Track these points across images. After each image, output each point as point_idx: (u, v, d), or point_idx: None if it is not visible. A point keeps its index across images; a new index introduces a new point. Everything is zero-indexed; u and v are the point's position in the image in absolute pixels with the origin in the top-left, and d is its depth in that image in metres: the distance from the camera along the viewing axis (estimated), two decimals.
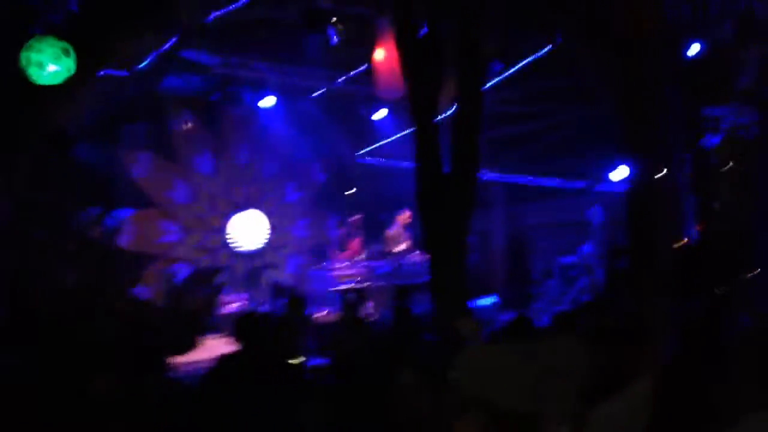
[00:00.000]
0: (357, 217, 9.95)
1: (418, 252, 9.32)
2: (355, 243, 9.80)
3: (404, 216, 9.61)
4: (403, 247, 9.62)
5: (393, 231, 9.61)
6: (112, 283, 7.33)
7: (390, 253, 9.59)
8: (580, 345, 2.02)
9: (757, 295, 6.87)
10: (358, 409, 2.95)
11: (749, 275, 7.85)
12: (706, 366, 2.59)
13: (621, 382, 2.12)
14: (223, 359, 3.35)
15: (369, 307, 8.94)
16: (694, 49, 7.16)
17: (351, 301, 6.27)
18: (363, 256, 9.86)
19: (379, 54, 7.32)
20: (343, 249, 9.59)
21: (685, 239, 7.68)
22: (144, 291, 9.34)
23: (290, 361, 3.85)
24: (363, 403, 2.96)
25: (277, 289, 10.82)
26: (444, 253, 5.93)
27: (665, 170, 5.58)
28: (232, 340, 4.15)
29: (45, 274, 6.78)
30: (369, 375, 3.23)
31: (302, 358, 4.26)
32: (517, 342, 3.63)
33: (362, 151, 11.90)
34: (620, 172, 8.45)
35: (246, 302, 9.55)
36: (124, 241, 9.25)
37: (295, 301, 6.05)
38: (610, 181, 8.98)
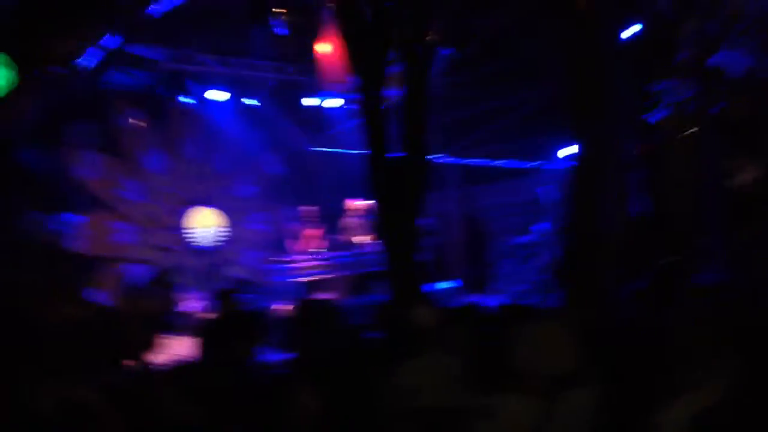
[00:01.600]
0: (312, 208, 9.89)
1: (374, 239, 9.36)
2: (313, 234, 9.76)
3: (357, 204, 9.60)
4: (360, 235, 9.62)
5: (348, 220, 9.60)
6: (58, 287, 7.16)
7: (348, 243, 9.59)
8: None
9: (704, 265, 7.06)
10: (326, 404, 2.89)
11: (697, 246, 8.07)
12: (651, 345, 2.62)
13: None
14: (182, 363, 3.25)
15: (329, 298, 8.94)
16: (635, 26, 7.29)
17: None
18: (321, 247, 9.85)
19: (324, 43, 7.28)
20: (300, 241, 9.55)
21: (633, 213, 7.85)
22: (99, 294, 9.18)
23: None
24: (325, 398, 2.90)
25: (237, 284, 10.77)
26: (397, 238, 5.96)
27: (612, 145, 5.69)
28: (191, 340, 4.07)
29: None
30: (329, 370, 3.17)
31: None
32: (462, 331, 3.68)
33: (315, 142, 11.85)
34: (568, 150, 8.59)
35: (203, 300, 9.45)
36: (76, 243, 9.08)
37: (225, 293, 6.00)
38: (562, 160, 9.11)
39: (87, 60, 8.33)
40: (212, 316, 7.68)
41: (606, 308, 4.56)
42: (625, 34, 7.28)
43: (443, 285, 8.73)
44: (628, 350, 2.80)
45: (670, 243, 7.95)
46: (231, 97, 9.89)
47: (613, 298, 4.91)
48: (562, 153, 8.90)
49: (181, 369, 3.18)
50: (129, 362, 4.84)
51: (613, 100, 7.42)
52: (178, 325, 9.18)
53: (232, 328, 3.28)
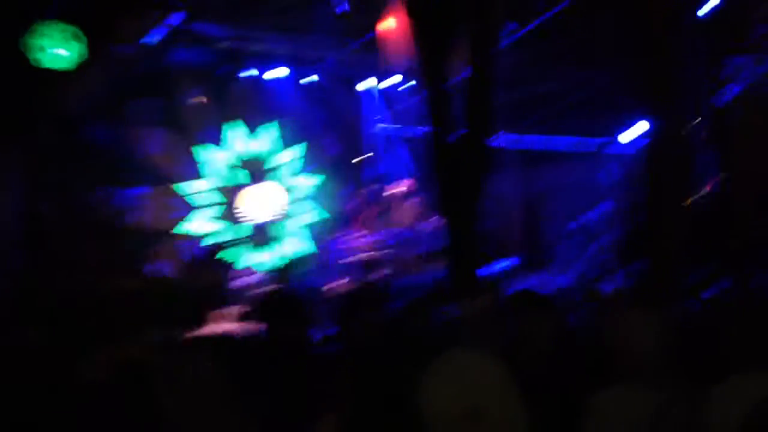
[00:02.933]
0: (373, 186, 9.87)
1: (433, 219, 9.31)
2: (371, 213, 9.76)
3: (409, 183, 9.55)
4: (417, 215, 9.58)
5: (406, 199, 9.57)
6: (122, 262, 7.37)
7: (405, 222, 9.56)
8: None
9: None
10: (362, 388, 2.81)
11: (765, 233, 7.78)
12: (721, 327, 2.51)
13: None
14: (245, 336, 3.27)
15: (386, 276, 8.96)
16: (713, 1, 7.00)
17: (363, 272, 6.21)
18: (377, 226, 9.84)
19: (388, 20, 7.21)
20: (356, 219, 9.56)
21: (703, 194, 7.61)
22: (163, 267, 9.41)
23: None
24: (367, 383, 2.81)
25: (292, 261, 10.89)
26: (459, 218, 5.90)
27: (684, 124, 5.49)
28: (249, 315, 4.10)
29: (57, 254, 6.83)
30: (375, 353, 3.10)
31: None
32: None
33: (374, 120, 11.82)
34: (633, 132, 8.34)
35: (258, 276, 9.60)
36: (138, 218, 9.29)
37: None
38: (626, 141, 8.87)
39: (151, 37, 8.47)
40: (265, 291, 7.82)
41: (679, 294, 4.43)
42: (702, 11, 7.00)
43: (502, 264, 8.63)
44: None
45: (737, 228, 7.69)
46: (291, 74, 9.90)
47: (684, 282, 4.78)
48: (625, 134, 8.65)
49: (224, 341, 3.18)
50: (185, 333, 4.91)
51: (686, 79, 7.17)
52: (233, 299, 9.38)
53: (282, 306, 3.27)
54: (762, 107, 7.83)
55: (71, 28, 5.89)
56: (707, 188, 7.72)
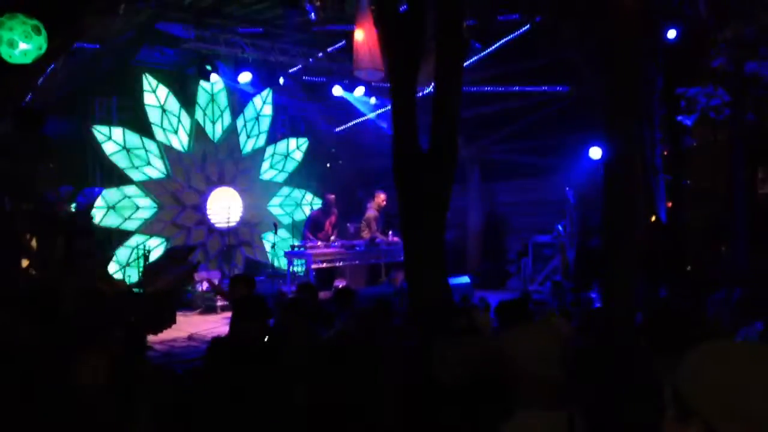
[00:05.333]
0: (332, 195, 9.85)
1: (391, 232, 9.37)
2: (334, 221, 9.75)
3: (380, 198, 9.57)
4: (381, 226, 9.60)
5: (369, 213, 9.57)
6: (86, 260, 7.24)
7: (369, 233, 9.56)
8: None
9: (728, 273, 7.02)
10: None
11: (720, 253, 8.03)
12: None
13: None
14: (217, 340, 3.33)
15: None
16: (671, 32, 7.22)
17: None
18: (340, 235, 9.86)
19: (358, 31, 7.24)
20: (319, 228, 9.53)
21: (656, 218, 7.82)
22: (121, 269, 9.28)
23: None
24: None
25: (253, 266, 10.83)
26: (420, 232, 5.92)
27: (640, 148, 5.64)
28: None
29: (18, 247, 6.67)
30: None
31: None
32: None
33: (340, 128, 11.86)
34: (597, 152, 8.53)
35: (220, 279, 9.52)
36: (99, 217, 9.16)
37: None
38: (585, 161, 9.06)
39: (118, 35, 8.37)
40: (226, 297, 7.75)
41: (629, 311, 4.54)
42: (664, 37, 7.21)
43: (457, 280, 8.68)
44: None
45: (691, 250, 7.92)
46: (259, 80, 9.88)
47: (636, 301, 4.90)
48: (590, 153, 8.83)
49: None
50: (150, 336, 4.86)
51: (647, 102, 7.37)
52: (196, 302, 9.29)
53: (244, 310, 3.34)
54: (714, 135, 8.12)
55: (34, 22, 5.77)
56: (663, 211, 7.94)
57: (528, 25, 8.41)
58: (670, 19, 7.14)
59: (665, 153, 7.86)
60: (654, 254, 7.00)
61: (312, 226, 9.58)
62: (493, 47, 8.92)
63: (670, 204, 7.95)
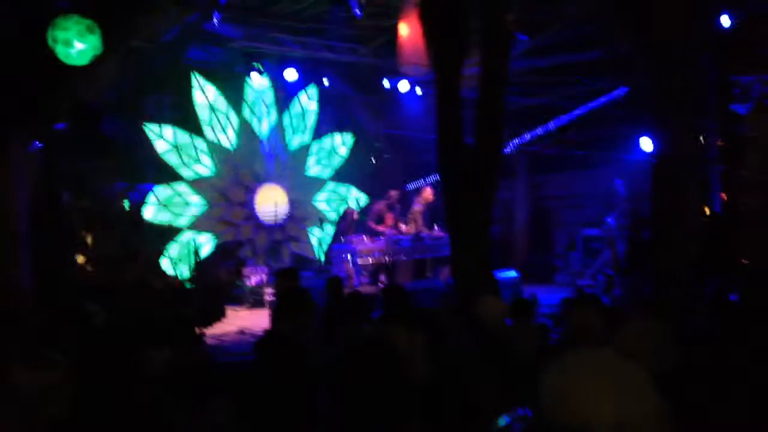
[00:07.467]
0: (395, 191, 9.85)
1: (436, 227, 9.36)
2: (381, 216, 9.76)
3: (427, 193, 9.57)
4: (428, 221, 9.61)
5: (416, 208, 9.59)
6: (140, 255, 7.43)
7: (416, 228, 9.57)
8: None
9: None
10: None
11: None
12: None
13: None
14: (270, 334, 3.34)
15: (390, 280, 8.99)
16: (725, 19, 7.02)
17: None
18: (388, 230, 9.86)
19: (402, 26, 7.25)
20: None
21: (711, 210, 7.63)
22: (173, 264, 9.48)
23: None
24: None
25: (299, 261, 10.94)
26: (466, 227, 5.90)
27: (694, 139, 5.50)
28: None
29: (76, 242, 6.88)
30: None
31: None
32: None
33: (385, 123, 11.88)
34: (648, 143, 8.35)
35: (268, 275, 9.64)
36: (153, 214, 9.37)
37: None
38: (636, 153, 8.88)
39: (169, 35, 8.54)
40: (273, 291, 7.85)
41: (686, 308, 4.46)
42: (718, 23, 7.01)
43: (504, 274, 8.62)
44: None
45: (746, 243, 7.69)
46: (305, 76, 9.97)
47: (691, 296, 4.80)
48: (641, 145, 8.65)
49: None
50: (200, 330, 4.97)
51: (698, 93, 7.19)
52: (246, 297, 9.43)
53: (288, 304, 3.36)
54: None
55: (88, 22, 5.93)
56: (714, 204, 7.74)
57: (579, 19, 8.27)
58: (724, 5, 6.95)
59: (719, 143, 7.66)
60: (708, 246, 6.84)
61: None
62: (541, 39, 8.80)
63: (724, 195, 7.75)
